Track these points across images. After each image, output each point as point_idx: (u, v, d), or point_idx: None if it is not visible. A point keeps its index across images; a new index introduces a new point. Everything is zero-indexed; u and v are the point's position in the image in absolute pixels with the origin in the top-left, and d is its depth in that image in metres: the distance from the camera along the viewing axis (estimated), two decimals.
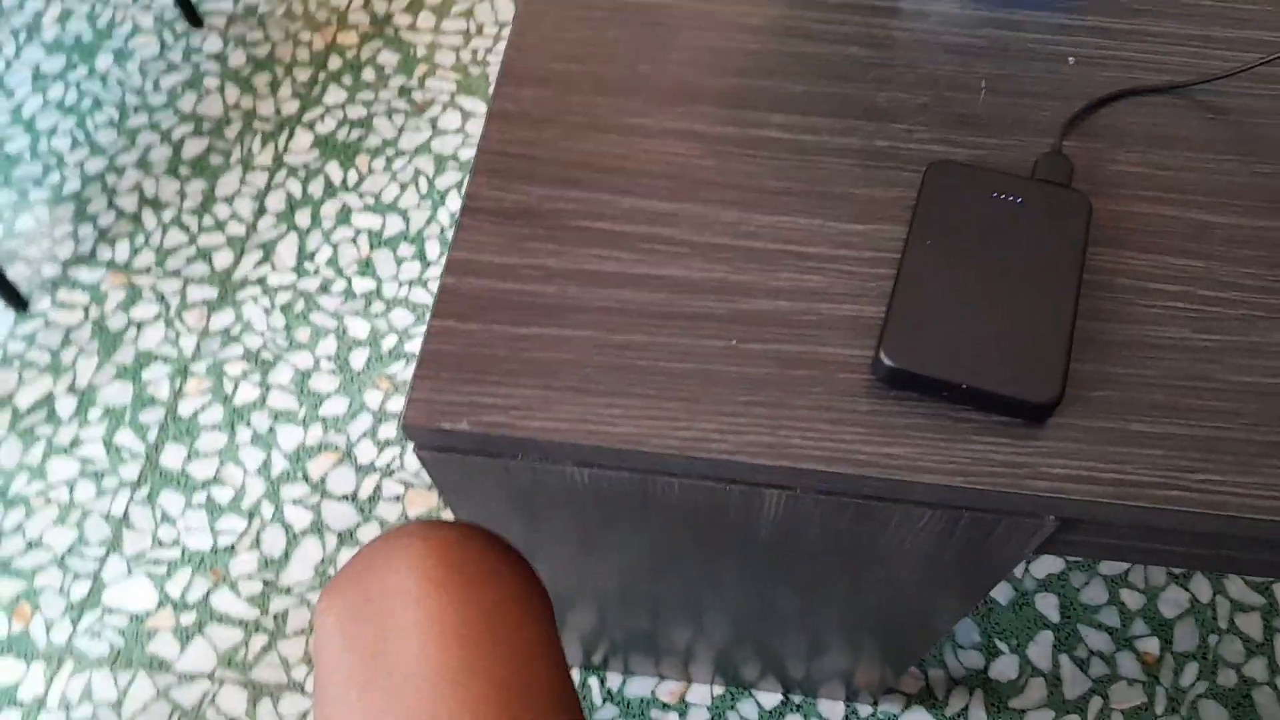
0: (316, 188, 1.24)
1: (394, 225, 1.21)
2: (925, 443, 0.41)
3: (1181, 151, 0.49)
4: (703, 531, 0.50)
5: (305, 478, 1.03)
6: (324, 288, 1.16)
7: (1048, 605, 0.94)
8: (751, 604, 0.63)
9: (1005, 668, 0.92)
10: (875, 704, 0.90)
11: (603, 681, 0.92)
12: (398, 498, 1.02)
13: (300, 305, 1.14)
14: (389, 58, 1.36)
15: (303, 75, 1.34)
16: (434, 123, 1.30)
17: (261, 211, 1.22)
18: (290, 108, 1.31)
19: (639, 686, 0.92)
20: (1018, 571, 0.96)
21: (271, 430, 1.06)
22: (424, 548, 0.42)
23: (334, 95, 1.33)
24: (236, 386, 1.09)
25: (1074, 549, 0.50)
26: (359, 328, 1.13)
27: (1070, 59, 0.52)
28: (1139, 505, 0.40)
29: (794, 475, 0.42)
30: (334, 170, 1.25)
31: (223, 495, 1.03)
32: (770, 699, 0.90)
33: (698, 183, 0.48)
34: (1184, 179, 0.48)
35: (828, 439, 0.42)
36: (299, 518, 1.01)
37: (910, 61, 0.52)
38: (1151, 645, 0.92)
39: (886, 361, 0.41)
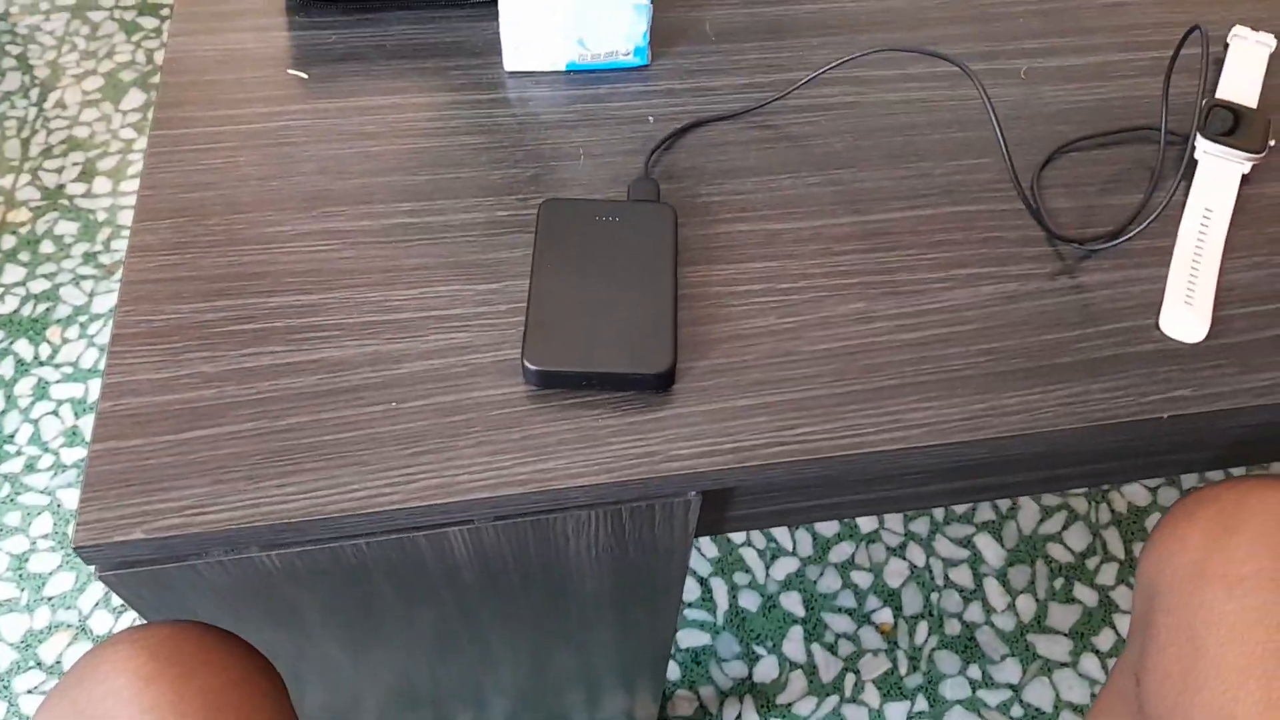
0: (6, 368, 1.19)
1: (99, 389, 1.17)
2: (573, 453, 0.47)
3: (748, 178, 0.59)
4: (413, 586, 0.53)
5: (38, 664, 0.97)
6: (30, 466, 1.10)
7: (792, 602, 1.03)
8: (498, 654, 0.66)
9: (767, 669, 0.99)
10: None
11: None
12: None
13: (5, 489, 1.08)
14: (67, 227, 1.33)
15: None
16: None
17: None
18: None
19: None
20: (760, 577, 1.04)
21: None
22: (132, 649, 0.42)
23: (12, 274, 1.28)
24: None
25: (741, 523, 0.58)
26: (75, 499, 1.08)
27: (650, 118, 0.61)
28: (755, 465, 0.47)
29: (466, 508, 0.46)
30: (23, 348, 1.21)
31: None
32: None
33: (340, 272, 0.53)
34: (753, 199, 0.58)
35: (490, 469, 0.47)
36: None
37: (516, 142, 0.60)
38: (886, 615, 1.03)
39: (531, 366, 0.48)
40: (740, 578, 1.04)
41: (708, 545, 1.07)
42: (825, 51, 0.65)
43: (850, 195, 0.58)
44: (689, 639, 1.01)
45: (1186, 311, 0.53)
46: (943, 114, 0.62)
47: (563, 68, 0.63)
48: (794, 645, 1.00)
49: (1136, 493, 1.12)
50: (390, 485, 0.46)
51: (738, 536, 1.07)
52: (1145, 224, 0.55)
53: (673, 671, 0.98)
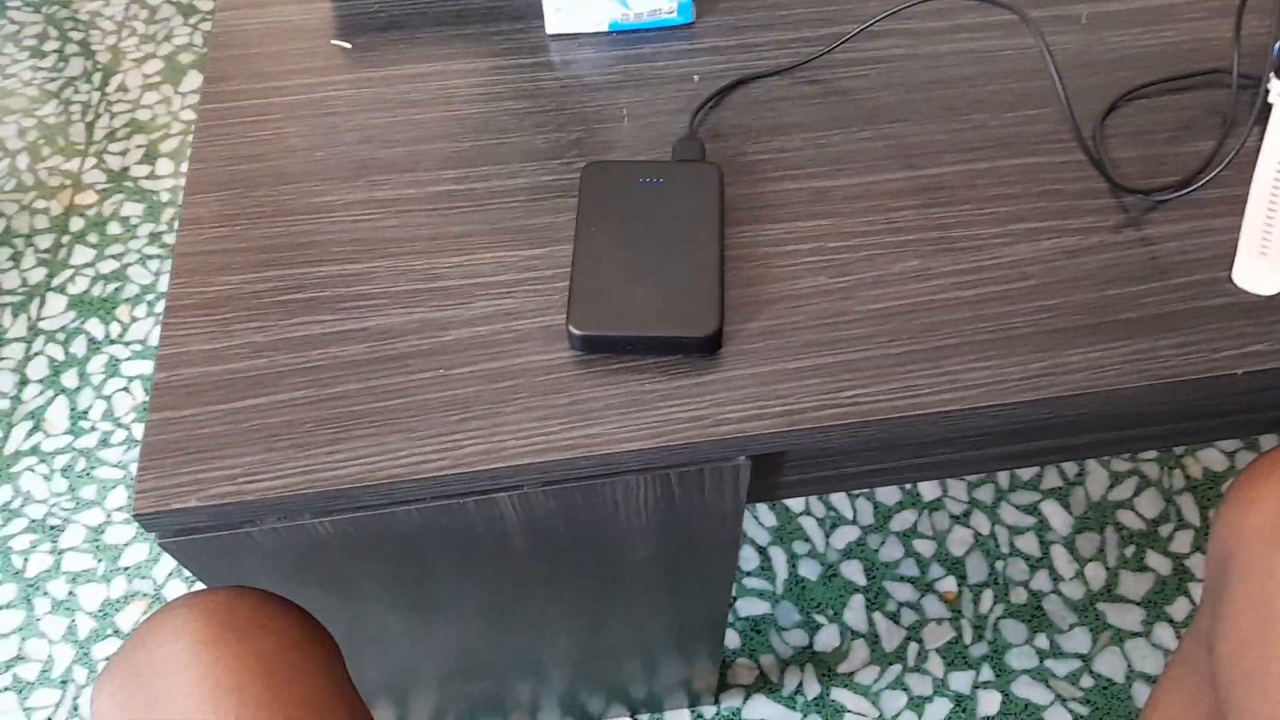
0: (79, 347, 1.22)
1: None
2: (621, 418, 0.47)
3: (797, 134, 0.57)
4: (465, 554, 0.53)
5: (116, 632, 1.00)
6: (104, 441, 1.13)
7: (853, 571, 1.02)
8: (553, 622, 0.67)
9: (828, 638, 0.98)
10: (717, 702, 0.94)
11: None
12: None
13: (81, 464, 1.12)
14: (133, 209, 1.36)
15: (45, 242, 1.32)
16: None
17: (24, 382, 1.19)
18: (36, 276, 1.29)
19: None
20: (819, 545, 1.03)
21: (71, 594, 1.02)
22: (190, 614, 0.43)
23: (81, 255, 1.31)
24: (26, 560, 1.05)
25: (795, 488, 0.57)
26: None
27: (695, 76, 0.60)
28: (805, 428, 0.46)
29: (514, 473, 0.46)
30: (94, 326, 1.24)
31: (29, 671, 0.98)
32: None
33: (386, 241, 0.53)
34: (802, 156, 0.56)
35: (537, 434, 0.46)
36: None
37: (559, 106, 0.59)
38: (949, 584, 1.01)
39: (576, 331, 0.47)
40: (800, 546, 1.03)
41: (766, 514, 1.06)
42: (874, 3, 0.63)
43: (902, 150, 0.56)
44: (748, 608, 1.00)
45: (1262, 263, 0.51)
46: (998, 65, 0.60)
47: (605, 28, 0.62)
48: (855, 614, 0.99)
49: (1212, 457, 1.08)
50: (439, 451, 0.46)
51: (796, 505, 1.06)
52: (1216, 172, 0.53)
53: (732, 640, 0.98)
